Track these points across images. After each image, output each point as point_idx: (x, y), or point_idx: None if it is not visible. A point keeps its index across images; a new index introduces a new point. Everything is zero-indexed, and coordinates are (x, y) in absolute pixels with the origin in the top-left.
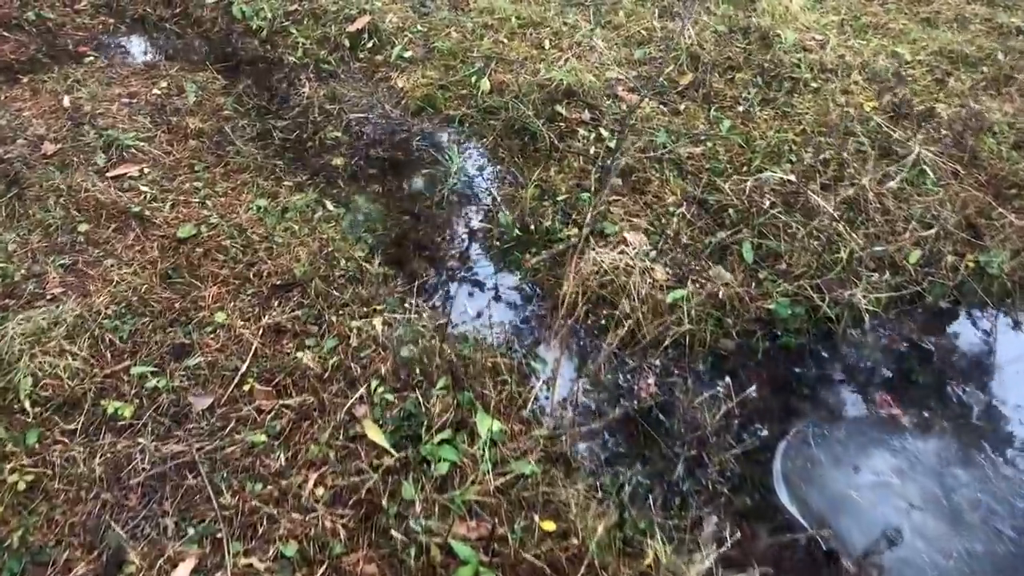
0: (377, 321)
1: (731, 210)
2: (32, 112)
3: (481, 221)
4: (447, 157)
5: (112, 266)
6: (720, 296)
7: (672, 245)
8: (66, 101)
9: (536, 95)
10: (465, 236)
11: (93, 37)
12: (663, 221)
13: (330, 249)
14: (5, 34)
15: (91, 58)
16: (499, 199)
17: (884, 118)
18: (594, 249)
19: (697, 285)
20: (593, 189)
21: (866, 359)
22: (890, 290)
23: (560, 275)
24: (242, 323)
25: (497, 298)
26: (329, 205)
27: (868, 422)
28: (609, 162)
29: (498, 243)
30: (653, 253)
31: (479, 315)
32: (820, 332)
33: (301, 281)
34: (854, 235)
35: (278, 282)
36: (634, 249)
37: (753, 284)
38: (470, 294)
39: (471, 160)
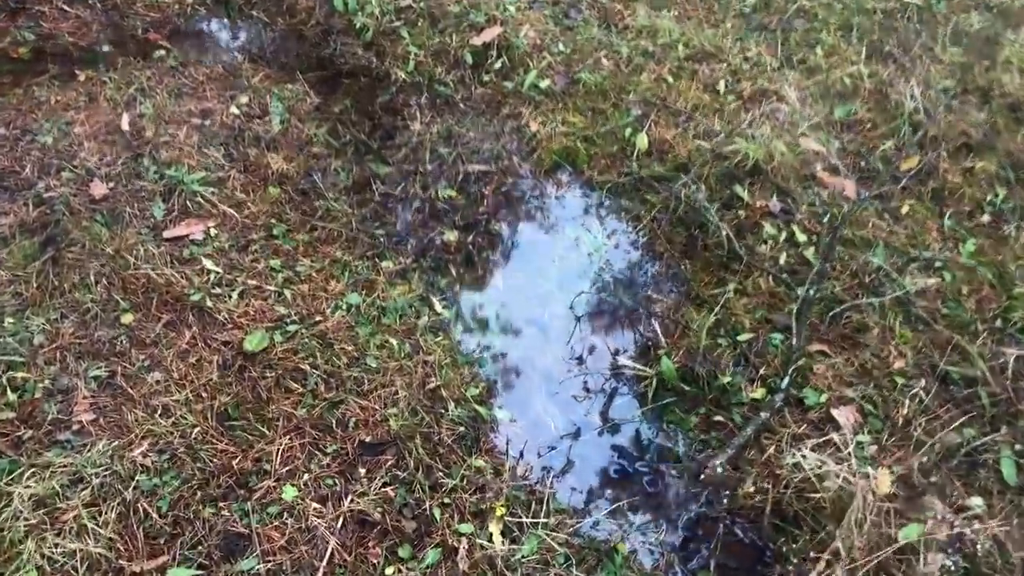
0: (495, 526)
1: (983, 393)
2: (84, 129)
3: (630, 355)
4: (589, 243)
5: (158, 386)
6: (976, 547)
7: (900, 438)
8: (125, 122)
9: (709, 167)
10: (609, 378)
11: (167, 21)
12: (885, 397)
13: (436, 384)
14: (66, 8)
15: (162, 52)
16: (656, 323)
17: None
18: (790, 430)
19: (937, 519)
20: (793, 329)
21: None
22: None
23: (736, 462)
24: (317, 506)
25: (652, 483)
26: (437, 305)
27: None
28: (809, 291)
29: (651, 391)
30: (873, 447)
31: (626, 514)
32: None
33: (396, 438)
34: None
35: (367, 438)
36: (845, 436)
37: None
38: (614, 476)
39: (620, 250)
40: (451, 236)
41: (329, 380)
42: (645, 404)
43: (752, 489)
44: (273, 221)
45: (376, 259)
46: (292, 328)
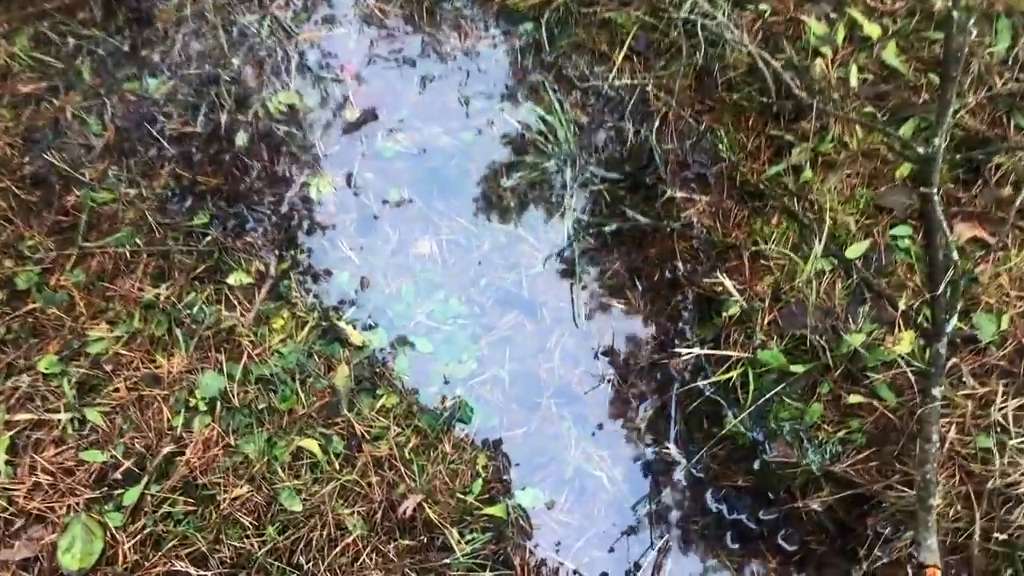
0: None
1: None
2: None
3: (688, 333)
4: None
5: None
6: None
7: None
8: None
9: None
10: (666, 381)
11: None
12: None
13: (412, 500)
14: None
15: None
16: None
17: None
18: (971, 390)
19: None
20: (932, 211)
21: None
22: None
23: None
24: None
25: (789, 536)
26: (351, 333)
27: None
28: (939, 128)
29: (748, 387)
30: None
31: None
32: None
33: None
34: None
35: None
36: None
37: None
38: (734, 546)
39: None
40: (322, 184)
41: (237, 570)
42: (736, 405)
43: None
44: (7, 264)
45: (215, 275)
46: (131, 493)
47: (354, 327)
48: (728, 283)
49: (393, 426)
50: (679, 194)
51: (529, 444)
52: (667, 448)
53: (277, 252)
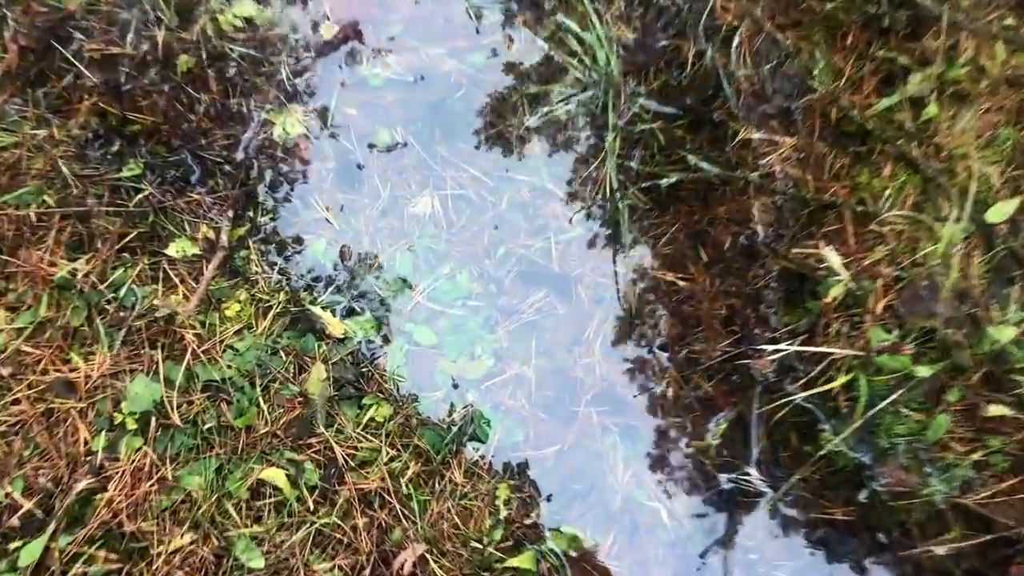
0: None
1: None
2: None
3: (773, 320)
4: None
5: None
6: None
7: None
8: None
9: None
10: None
11: None
12: None
13: (409, 551)
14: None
15: None
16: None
17: None
18: None
19: None
20: None
21: None
22: None
23: None
24: None
25: None
26: (330, 322)
27: None
28: None
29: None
30: None
31: None
32: None
33: None
34: None
35: None
36: None
37: None
38: None
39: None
40: (290, 123)
41: None
42: (836, 416)
43: None
44: None
45: (150, 245)
46: (31, 548)
47: (333, 313)
48: (831, 255)
49: (385, 448)
50: (756, 135)
51: (564, 467)
52: (746, 473)
53: (231, 213)
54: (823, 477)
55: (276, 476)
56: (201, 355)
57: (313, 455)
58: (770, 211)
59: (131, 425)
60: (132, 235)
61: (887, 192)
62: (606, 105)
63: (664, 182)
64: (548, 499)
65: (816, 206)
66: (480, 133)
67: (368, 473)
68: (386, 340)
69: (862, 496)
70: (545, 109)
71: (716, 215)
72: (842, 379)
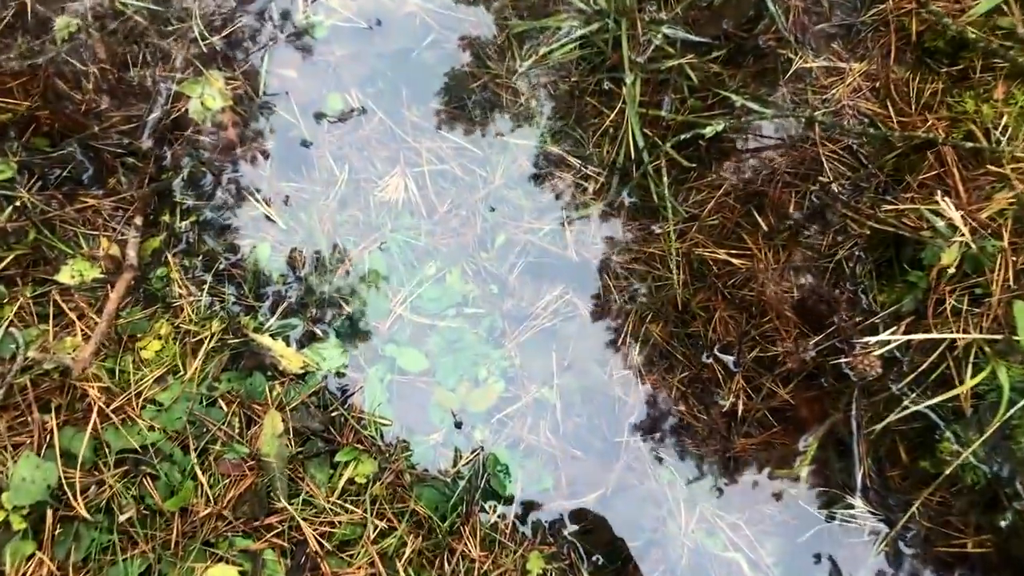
0: None
1: None
2: None
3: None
4: None
5: None
6: None
7: None
8: None
9: None
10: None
11: None
12: None
13: None
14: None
15: None
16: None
17: None
18: None
19: None
20: None
21: None
22: None
23: None
24: None
25: None
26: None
27: None
28: None
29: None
30: None
31: None
32: None
33: None
34: None
35: None
36: None
37: None
38: None
39: None
40: (210, 95)
41: None
42: (958, 421)
43: None
44: None
45: (34, 270)
46: None
47: (286, 341)
48: (948, 205)
49: (372, 519)
50: (815, 63)
51: (611, 517)
52: (850, 506)
53: (139, 220)
54: (945, 498)
55: (225, 575)
56: (112, 416)
57: (274, 540)
58: (843, 159)
59: (18, 524)
60: (6, 261)
61: (1003, 120)
62: (618, 39)
63: (707, 131)
64: (597, 563)
65: (905, 147)
66: (458, 89)
67: (352, 558)
68: (359, 369)
69: (1001, 521)
70: (541, 51)
71: (774, 170)
72: (973, 378)
